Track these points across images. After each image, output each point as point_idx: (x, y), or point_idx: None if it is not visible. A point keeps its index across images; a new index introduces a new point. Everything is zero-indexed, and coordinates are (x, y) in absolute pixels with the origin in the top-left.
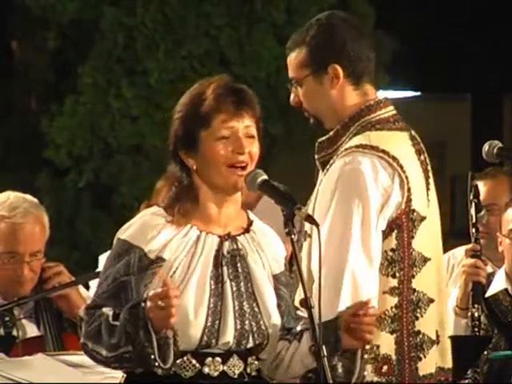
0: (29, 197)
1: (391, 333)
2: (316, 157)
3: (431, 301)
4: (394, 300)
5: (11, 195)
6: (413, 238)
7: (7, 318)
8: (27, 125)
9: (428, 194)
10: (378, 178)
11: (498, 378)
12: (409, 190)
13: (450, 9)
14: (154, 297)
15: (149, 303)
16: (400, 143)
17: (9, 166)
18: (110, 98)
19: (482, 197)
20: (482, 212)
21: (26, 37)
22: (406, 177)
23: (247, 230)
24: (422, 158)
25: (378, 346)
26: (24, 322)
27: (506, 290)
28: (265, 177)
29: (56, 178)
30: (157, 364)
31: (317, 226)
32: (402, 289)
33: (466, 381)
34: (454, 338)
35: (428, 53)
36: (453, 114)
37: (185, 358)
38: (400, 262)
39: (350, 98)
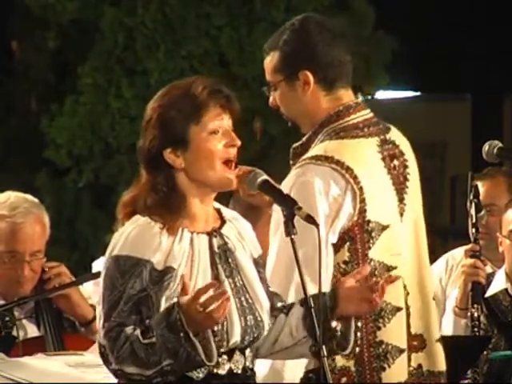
0: (29, 197)
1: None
2: (291, 163)
3: (398, 309)
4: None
5: (12, 195)
6: (369, 248)
7: (7, 318)
8: (27, 125)
9: (403, 198)
10: (328, 191)
11: (498, 378)
12: (362, 201)
13: (449, 9)
14: (194, 303)
15: (193, 310)
16: (360, 152)
17: (9, 166)
18: (109, 98)
19: (481, 197)
20: (482, 212)
21: (26, 37)
22: (361, 188)
23: (223, 220)
24: (396, 162)
25: (333, 359)
26: (24, 322)
27: (506, 289)
28: (265, 177)
29: (56, 178)
30: (206, 364)
31: (317, 226)
32: None
33: (466, 381)
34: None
35: (428, 53)
36: (453, 114)
37: None
38: None
39: (322, 103)
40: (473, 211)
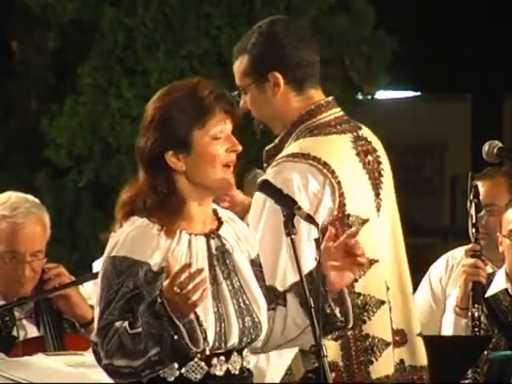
0: (30, 197)
1: (335, 340)
2: (264, 165)
3: (382, 303)
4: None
5: (13, 195)
6: None
7: (7, 319)
8: (27, 125)
9: (379, 194)
10: (308, 186)
11: (498, 378)
12: (341, 195)
13: (450, 9)
14: (171, 285)
15: (170, 293)
16: (336, 147)
17: (9, 165)
18: (110, 98)
19: (481, 197)
20: (482, 212)
21: (26, 37)
22: (339, 182)
23: (220, 221)
24: (370, 158)
25: None
26: (24, 322)
27: (506, 289)
28: (265, 177)
29: (56, 178)
30: (192, 351)
31: (316, 225)
32: None
33: (466, 381)
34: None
35: (428, 53)
36: (453, 113)
37: (193, 362)
38: None
39: (293, 104)
40: (473, 211)
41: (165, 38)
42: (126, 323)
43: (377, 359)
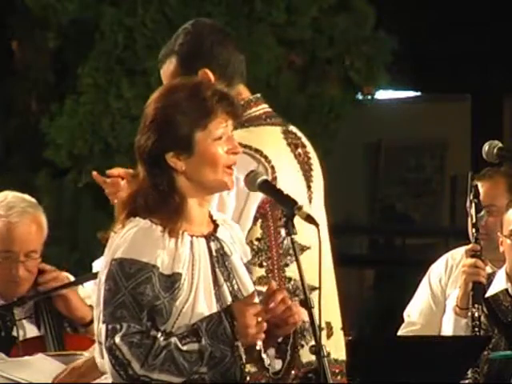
0: (27, 197)
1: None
2: None
3: (313, 289)
4: (262, 289)
5: (9, 195)
6: (282, 227)
7: (7, 319)
8: (27, 125)
9: (311, 186)
10: (241, 176)
11: (498, 378)
12: (274, 179)
13: (450, 9)
14: (253, 314)
15: (250, 321)
16: (267, 136)
17: (9, 165)
18: (110, 98)
19: (480, 197)
20: (482, 212)
21: (26, 37)
22: (272, 166)
23: (216, 224)
24: (300, 151)
25: (298, 355)
26: (24, 322)
27: (507, 290)
28: (265, 177)
29: (56, 178)
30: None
31: (317, 225)
32: (272, 278)
33: (466, 381)
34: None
35: (428, 53)
36: (453, 113)
37: None
38: (267, 251)
39: None
40: (473, 211)
41: (165, 38)
42: (175, 339)
43: (307, 343)
